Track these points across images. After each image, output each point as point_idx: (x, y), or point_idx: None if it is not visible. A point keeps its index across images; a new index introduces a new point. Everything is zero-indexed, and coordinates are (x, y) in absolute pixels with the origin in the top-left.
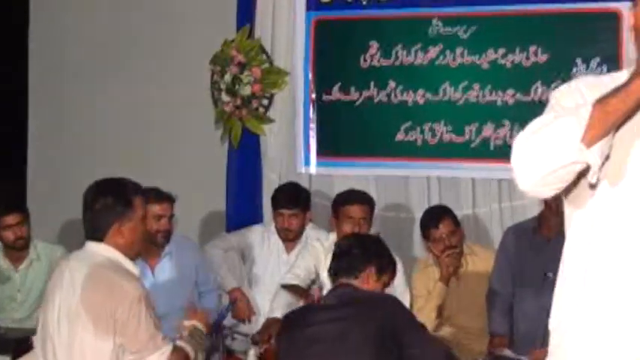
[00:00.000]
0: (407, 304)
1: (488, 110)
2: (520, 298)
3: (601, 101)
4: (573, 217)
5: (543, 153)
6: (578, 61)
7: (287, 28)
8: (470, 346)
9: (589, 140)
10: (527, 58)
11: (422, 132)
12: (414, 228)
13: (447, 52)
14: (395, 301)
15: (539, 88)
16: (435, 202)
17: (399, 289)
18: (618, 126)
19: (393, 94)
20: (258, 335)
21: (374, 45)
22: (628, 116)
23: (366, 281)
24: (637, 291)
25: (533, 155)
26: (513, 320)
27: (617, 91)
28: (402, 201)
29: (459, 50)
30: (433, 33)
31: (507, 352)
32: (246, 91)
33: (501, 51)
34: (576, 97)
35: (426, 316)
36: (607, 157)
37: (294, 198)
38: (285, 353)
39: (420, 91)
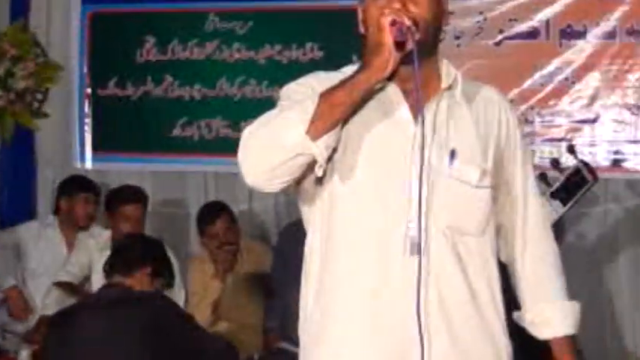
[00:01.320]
0: (182, 301)
1: (264, 106)
2: (298, 292)
3: (327, 93)
4: (311, 211)
5: (268, 146)
6: (355, 57)
7: (62, 22)
8: (246, 342)
9: (313, 132)
10: (304, 54)
11: (199, 128)
12: (190, 224)
13: (224, 47)
14: (164, 299)
15: None
16: (211, 197)
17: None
18: (346, 119)
19: (169, 90)
20: (29, 334)
21: (150, 39)
22: (355, 109)
23: (140, 282)
24: (366, 290)
25: (257, 149)
26: (290, 315)
27: (343, 83)
28: (178, 197)
29: (235, 45)
30: (210, 28)
31: (283, 345)
32: (20, 85)
33: (278, 47)
34: (307, 91)
35: (202, 312)
36: (334, 150)
37: (90, 185)
38: (52, 354)
39: (197, 87)
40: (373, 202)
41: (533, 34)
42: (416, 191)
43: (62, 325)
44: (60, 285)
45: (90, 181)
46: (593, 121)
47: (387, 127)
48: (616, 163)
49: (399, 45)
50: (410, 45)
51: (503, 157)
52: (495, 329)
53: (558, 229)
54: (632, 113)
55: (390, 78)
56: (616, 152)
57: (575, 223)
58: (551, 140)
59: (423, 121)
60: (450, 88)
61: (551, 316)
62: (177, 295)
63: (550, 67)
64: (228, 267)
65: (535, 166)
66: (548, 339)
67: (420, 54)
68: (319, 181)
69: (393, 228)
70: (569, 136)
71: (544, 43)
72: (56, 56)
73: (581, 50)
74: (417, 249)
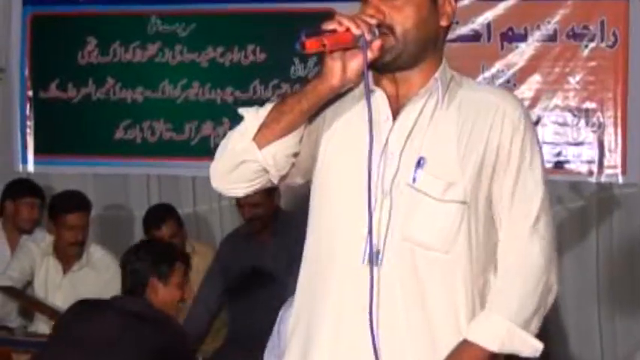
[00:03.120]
0: None
1: (207, 108)
2: (236, 301)
3: (281, 100)
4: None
5: (224, 151)
6: (296, 60)
7: (2, 24)
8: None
9: (260, 139)
10: (246, 56)
11: (141, 130)
12: (134, 227)
13: (166, 49)
14: (175, 327)
15: (257, 87)
16: (155, 200)
17: (115, 288)
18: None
19: (111, 92)
20: None
21: (92, 41)
22: (305, 117)
23: (155, 293)
24: (326, 295)
25: (219, 153)
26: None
27: (298, 91)
28: (121, 200)
29: (178, 48)
30: (152, 30)
31: None
32: None
33: (220, 49)
34: None
35: None
36: (296, 155)
37: (35, 189)
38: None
39: (139, 89)
40: (342, 209)
41: (474, 37)
42: (379, 199)
43: (82, 313)
44: (2, 289)
45: (36, 185)
46: (535, 123)
47: (365, 133)
48: (558, 165)
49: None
50: (365, 55)
51: (492, 171)
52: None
53: None
54: (574, 115)
55: (378, 83)
56: (558, 154)
57: None
58: None
59: (372, 136)
60: (441, 90)
61: (476, 321)
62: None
63: (492, 70)
64: None
65: None
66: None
67: (400, 61)
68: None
69: (355, 235)
70: None
71: (486, 45)
72: None
73: (522, 53)
74: (370, 258)
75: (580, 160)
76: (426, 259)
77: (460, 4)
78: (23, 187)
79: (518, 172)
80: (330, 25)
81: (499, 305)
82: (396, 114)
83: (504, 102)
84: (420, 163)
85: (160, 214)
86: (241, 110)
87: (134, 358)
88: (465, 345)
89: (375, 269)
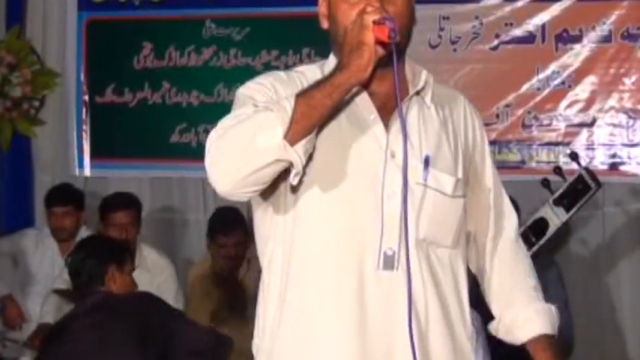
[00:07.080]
0: (180, 305)
1: None
2: None
3: (304, 94)
4: (273, 221)
5: (243, 151)
6: None
7: (58, 29)
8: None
9: (292, 136)
10: (301, 60)
11: (197, 134)
12: (189, 230)
13: (221, 53)
14: (148, 296)
15: None
16: (210, 203)
17: (169, 290)
18: (321, 125)
19: (167, 96)
20: (30, 340)
21: (147, 46)
22: (332, 114)
23: (114, 281)
24: (341, 305)
25: (231, 154)
26: None
27: (321, 84)
28: (177, 203)
29: (232, 52)
30: (207, 34)
31: None
32: (17, 92)
33: (275, 53)
34: (268, 92)
35: (200, 317)
36: (310, 158)
37: (66, 196)
38: None
39: (195, 93)
40: (343, 214)
41: (529, 38)
42: (389, 203)
43: (52, 342)
44: (59, 292)
45: (68, 192)
46: (590, 124)
47: (357, 133)
48: (613, 167)
49: (382, 45)
50: (391, 46)
51: (472, 164)
52: (464, 346)
53: (562, 235)
54: (629, 117)
55: None
56: (613, 156)
57: (575, 227)
58: (549, 144)
59: (405, 129)
60: (419, 91)
61: (527, 317)
62: (175, 298)
63: (547, 72)
64: (232, 274)
65: (533, 170)
66: (525, 342)
67: (396, 56)
68: (294, 189)
69: (366, 242)
70: (566, 140)
71: (540, 47)
72: (53, 63)
73: (577, 54)
74: (392, 263)
75: (636, 161)
76: (437, 255)
77: (514, 5)
78: (53, 195)
79: (491, 163)
80: (374, 15)
81: (529, 294)
82: (380, 112)
83: (462, 96)
84: (427, 162)
85: (230, 222)
86: (261, 110)
87: (124, 343)
88: (539, 341)
89: (395, 273)
